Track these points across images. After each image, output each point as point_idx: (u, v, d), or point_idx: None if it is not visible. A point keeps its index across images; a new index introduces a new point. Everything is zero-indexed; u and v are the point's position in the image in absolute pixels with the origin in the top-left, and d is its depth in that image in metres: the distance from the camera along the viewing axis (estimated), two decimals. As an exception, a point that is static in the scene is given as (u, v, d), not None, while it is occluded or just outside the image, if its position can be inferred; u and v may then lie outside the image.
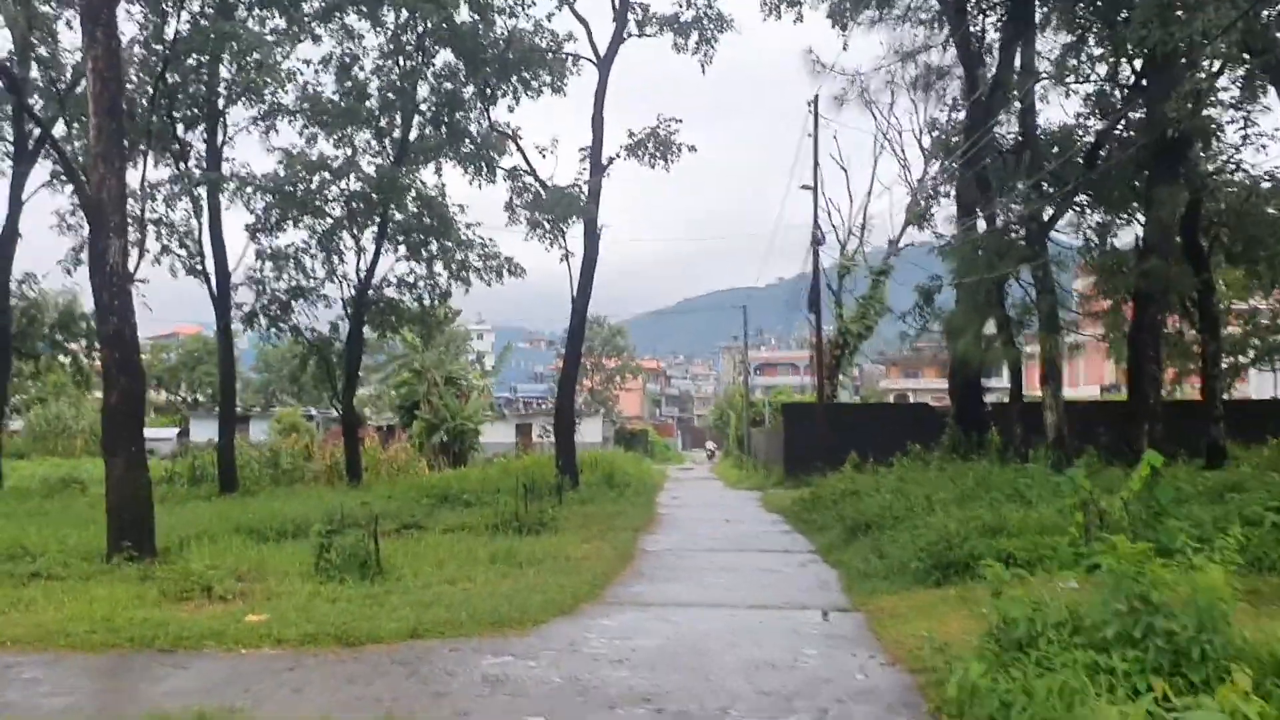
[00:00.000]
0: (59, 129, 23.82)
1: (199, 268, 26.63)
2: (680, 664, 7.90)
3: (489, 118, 29.04)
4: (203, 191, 25.50)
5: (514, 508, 17.52)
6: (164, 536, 15.05)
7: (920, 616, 9.52)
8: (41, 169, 25.83)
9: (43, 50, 24.21)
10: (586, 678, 7.45)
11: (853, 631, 9.43)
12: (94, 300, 11.38)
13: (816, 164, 36.07)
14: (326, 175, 28.72)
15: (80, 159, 21.41)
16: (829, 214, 40.98)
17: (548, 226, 27.56)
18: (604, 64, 27.26)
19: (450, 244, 30.31)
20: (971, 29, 24.39)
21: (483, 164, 28.66)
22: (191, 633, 8.55)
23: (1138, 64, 21.71)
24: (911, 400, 66.35)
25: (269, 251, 29.63)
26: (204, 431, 48.47)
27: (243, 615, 9.26)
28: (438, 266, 31.19)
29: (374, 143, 30.29)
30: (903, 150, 37.04)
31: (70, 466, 36.42)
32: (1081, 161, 22.27)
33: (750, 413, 59.80)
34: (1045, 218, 22.38)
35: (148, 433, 49.63)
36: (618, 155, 27.40)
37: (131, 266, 24.71)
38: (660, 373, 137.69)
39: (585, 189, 26.90)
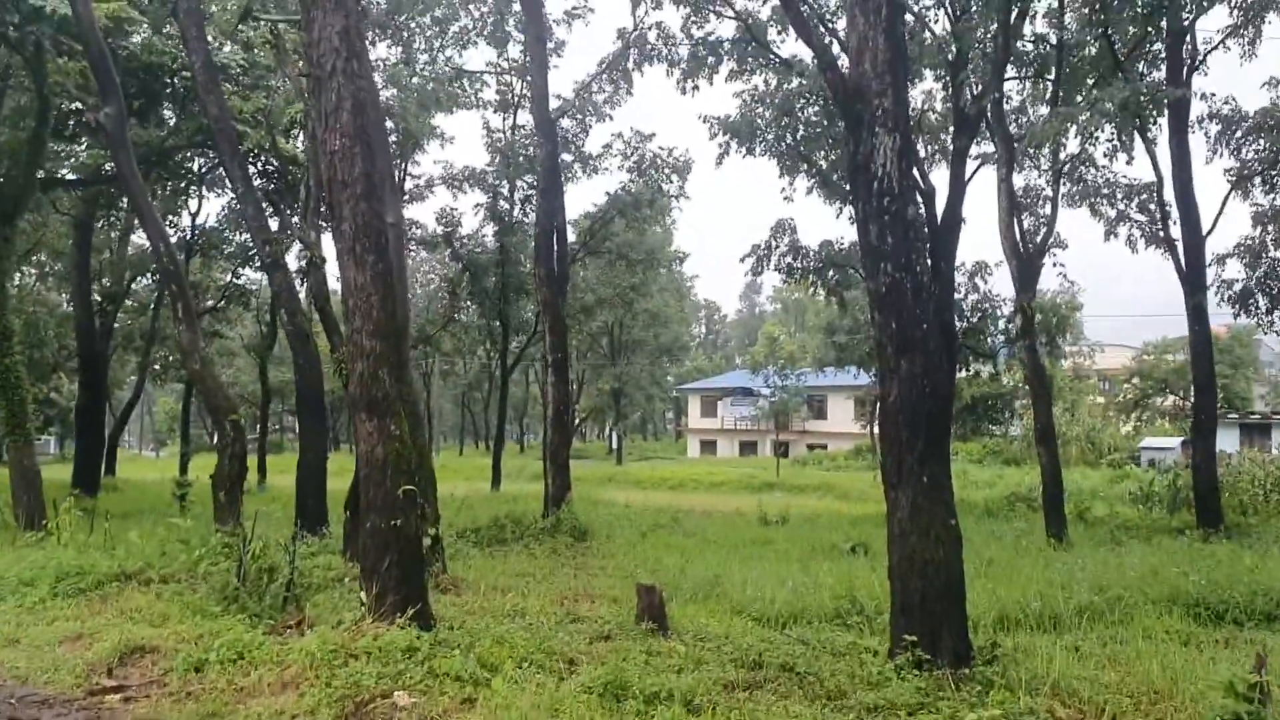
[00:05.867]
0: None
1: (1161, 234, 20.63)
2: None
3: None
4: (1162, 131, 19.63)
5: None
6: (1049, 603, 10.30)
7: None
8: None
9: None
10: None
11: None
12: (860, 236, 7.34)
13: None
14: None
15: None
16: None
17: None
18: None
19: None
20: None
21: None
22: None
23: None
24: None
25: (1268, 211, 22.80)
26: (1224, 441, 41.07)
27: None
28: None
29: None
30: None
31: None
32: None
33: None
34: None
35: (1149, 442, 44.13)
36: None
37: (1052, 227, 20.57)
38: None
39: None
